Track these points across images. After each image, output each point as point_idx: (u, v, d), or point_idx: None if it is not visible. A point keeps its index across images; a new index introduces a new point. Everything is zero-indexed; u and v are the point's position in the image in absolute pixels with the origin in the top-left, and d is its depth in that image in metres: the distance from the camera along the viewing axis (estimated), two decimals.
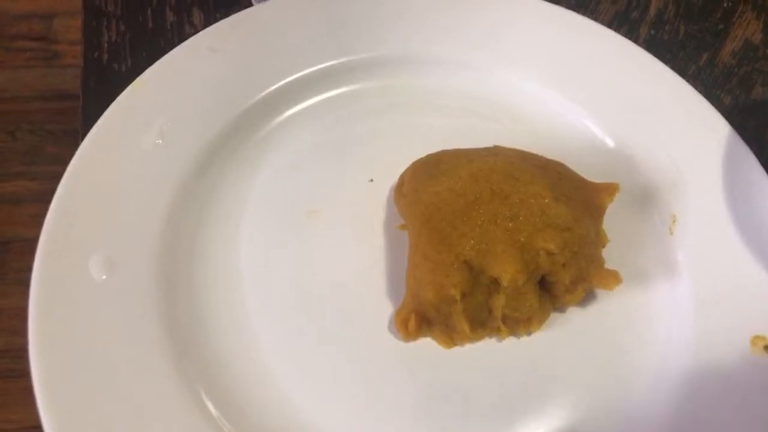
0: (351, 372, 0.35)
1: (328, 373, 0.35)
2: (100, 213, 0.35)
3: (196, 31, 0.42)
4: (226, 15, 0.43)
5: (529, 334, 0.36)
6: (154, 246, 0.35)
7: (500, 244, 0.33)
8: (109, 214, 0.35)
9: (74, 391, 0.31)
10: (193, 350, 0.34)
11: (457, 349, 0.35)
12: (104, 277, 0.34)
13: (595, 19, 0.45)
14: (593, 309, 0.37)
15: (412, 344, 0.35)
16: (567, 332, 0.36)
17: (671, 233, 0.38)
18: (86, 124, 0.40)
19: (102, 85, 0.43)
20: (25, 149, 1.13)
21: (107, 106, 0.38)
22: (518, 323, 0.35)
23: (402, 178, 0.38)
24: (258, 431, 0.33)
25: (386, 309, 0.36)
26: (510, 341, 0.36)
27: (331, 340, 0.35)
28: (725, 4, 0.49)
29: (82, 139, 0.38)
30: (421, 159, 0.38)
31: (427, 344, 0.35)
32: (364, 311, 0.36)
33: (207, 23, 0.44)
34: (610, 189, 0.37)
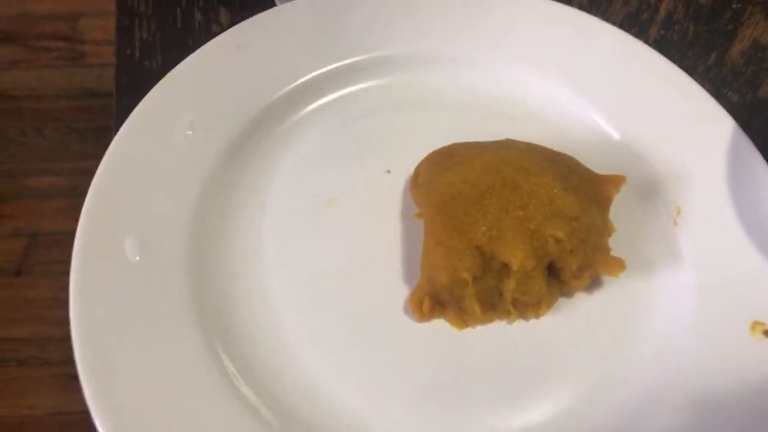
0: (369, 351, 0.36)
1: (347, 352, 0.36)
2: (133, 198, 0.37)
3: (223, 30, 0.44)
4: (251, 15, 0.44)
5: (537, 317, 0.37)
6: (183, 230, 0.37)
7: (511, 231, 0.35)
8: (142, 200, 0.37)
9: (112, 364, 0.33)
10: (220, 328, 0.36)
11: (468, 330, 0.37)
12: (138, 258, 0.36)
13: (606, 19, 0.46)
14: (599, 294, 0.38)
15: (426, 325, 0.37)
16: (573, 316, 0.37)
17: (675, 224, 0.40)
18: (119, 117, 0.41)
19: (134, 81, 0.45)
20: (51, 146, 1.16)
21: (139, 100, 0.40)
22: (527, 306, 0.37)
23: (417, 169, 0.40)
24: (281, 404, 0.34)
25: (402, 292, 0.38)
26: (519, 323, 0.37)
27: (349, 321, 0.37)
28: (734, 5, 0.50)
29: (116, 132, 0.39)
30: (436, 151, 0.40)
31: (440, 325, 0.37)
32: (381, 294, 0.38)
33: (233, 22, 0.46)
34: (616, 181, 0.38)
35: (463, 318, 0.37)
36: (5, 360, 0.95)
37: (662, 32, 0.49)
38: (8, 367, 0.95)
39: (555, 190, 0.36)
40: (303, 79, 0.43)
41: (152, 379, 0.33)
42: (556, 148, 0.40)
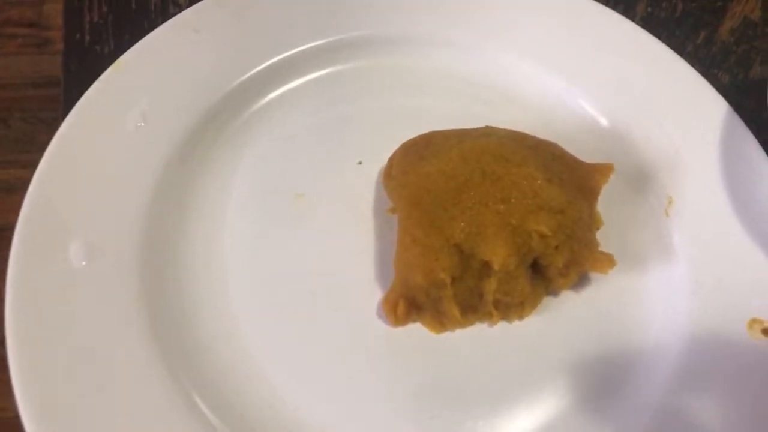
0: (339, 358, 0.34)
1: (316, 360, 0.34)
2: (79, 197, 0.35)
3: (180, 11, 0.41)
4: None
5: (521, 318, 0.35)
6: (135, 231, 0.35)
7: (491, 226, 0.33)
8: (89, 199, 0.35)
9: (52, 378, 0.30)
10: (176, 338, 0.33)
11: (447, 334, 0.35)
12: (84, 263, 0.33)
13: None
14: (587, 293, 0.36)
15: (401, 330, 0.35)
16: (560, 317, 0.36)
17: (667, 215, 0.38)
18: (67, 107, 0.39)
19: (84, 67, 0.42)
20: (17, 137, 1.12)
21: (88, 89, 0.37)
22: (510, 308, 0.35)
23: (391, 160, 0.38)
24: (243, 418, 0.32)
25: (375, 294, 0.36)
26: (501, 326, 0.35)
27: (319, 326, 0.35)
28: None
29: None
30: (411, 140, 0.37)
31: (416, 330, 0.35)
32: (353, 296, 0.36)
33: (191, 3, 0.43)
34: (604, 170, 0.36)
35: (441, 321, 0.35)
36: None
37: (649, 9, 0.47)
38: None
39: (538, 181, 0.34)
40: (266, 64, 0.40)
41: (98, 398, 0.31)
42: (539, 135, 0.38)
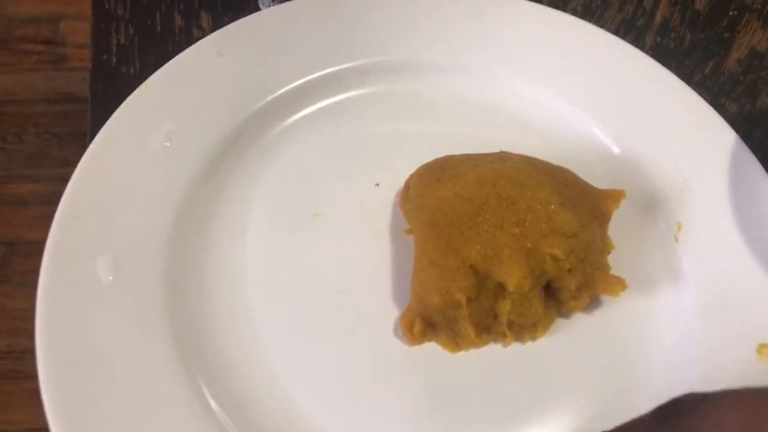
0: (355, 375, 0.35)
1: (332, 376, 0.34)
2: (107, 214, 0.35)
3: (204, 35, 0.42)
4: (234, 19, 0.43)
5: (533, 339, 0.36)
6: (160, 247, 0.35)
7: (506, 249, 0.33)
8: (116, 216, 0.35)
9: (80, 391, 0.31)
10: (199, 351, 0.34)
11: (461, 353, 0.35)
12: (111, 278, 0.34)
13: (601, 26, 0.45)
14: (598, 315, 0.37)
15: (416, 348, 0.35)
16: (571, 338, 0.36)
17: (676, 240, 0.38)
18: (94, 127, 0.40)
19: (110, 88, 0.43)
20: (31, 152, 1.13)
21: (115, 109, 0.39)
22: (523, 329, 0.35)
23: (408, 182, 0.38)
24: (262, 430, 0.33)
25: (391, 313, 0.36)
26: (514, 346, 0.36)
27: (335, 343, 0.35)
28: (731, 13, 0.49)
29: (90, 142, 0.38)
30: (428, 163, 0.38)
31: (431, 348, 0.35)
32: (369, 315, 0.36)
33: (215, 27, 0.44)
34: (615, 195, 0.37)
35: (456, 341, 0.35)
36: None
37: (658, 39, 0.48)
38: None
39: (552, 206, 0.34)
40: (288, 88, 0.41)
41: (125, 410, 0.31)
42: (552, 161, 0.39)
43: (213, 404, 0.33)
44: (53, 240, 0.34)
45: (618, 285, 0.35)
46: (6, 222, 1.04)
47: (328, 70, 0.42)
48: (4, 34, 1.24)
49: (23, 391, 0.91)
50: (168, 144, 0.38)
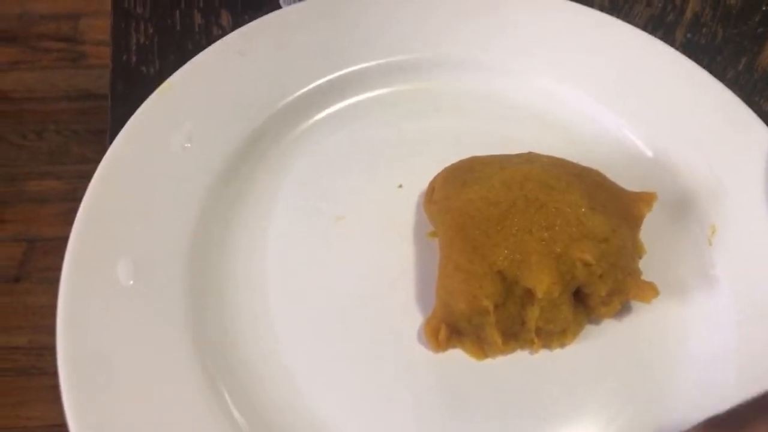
0: (379, 382, 0.34)
1: (355, 383, 0.34)
2: (128, 216, 0.35)
3: (224, 34, 0.42)
4: (254, 17, 0.42)
5: (562, 346, 0.35)
6: (181, 250, 0.35)
7: (535, 254, 0.32)
8: (137, 218, 0.35)
9: (99, 393, 0.31)
10: (219, 357, 0.33)
11: (488, 360, 0.34)
12: (131, 282, 0.33)
13: (629, 22, 0.44)
14: (629, 322, 0.36)
15: (441, 355, 0.34)
16: (601, 345, 0.35)
17: (710, 244, 0.37)
18: (114, 126, 0.39)
19: (130, 88, 0.43)
20: (51, 149, 1.14)
21: (135, 108, 0.38)
22: (552, 335, 0.34)
23: (432, 184, 0.37)
24: None
25: (416, 318, 0.35)
26: (542, 353, 0.35)
27: (358, 348, 0.35)
28: (764, 7, 0.48)
29: (111, 142, 0.37)
30: (453, 165, 0.37)
31: (457, 355, 0.35)
32: (393, 320, 0.35)
33: (235, 26, 0.44)
34: (647, 198, 0.36)
35: (482, 348, 0.34)
36: (4, 370, 0.94)
37: (689, 35, 0.47)
38: (6, 377, 0.93)
39: (583, 209, 0.33)
40: (309, 87, 0.41)
41: (143, 413, 0.31)
42: (581, 162, 0.38)
43: (232, 407, 0.32)
44: (74, 243, 0.34)
45: (650, 291, 0.34)
46: (27, 219, 1.05)
47: (350, 69, 0.41)
48: (23, 32, 1.25)
49: (44, 388, 0.92)
50: (188, 145, 0.38)
